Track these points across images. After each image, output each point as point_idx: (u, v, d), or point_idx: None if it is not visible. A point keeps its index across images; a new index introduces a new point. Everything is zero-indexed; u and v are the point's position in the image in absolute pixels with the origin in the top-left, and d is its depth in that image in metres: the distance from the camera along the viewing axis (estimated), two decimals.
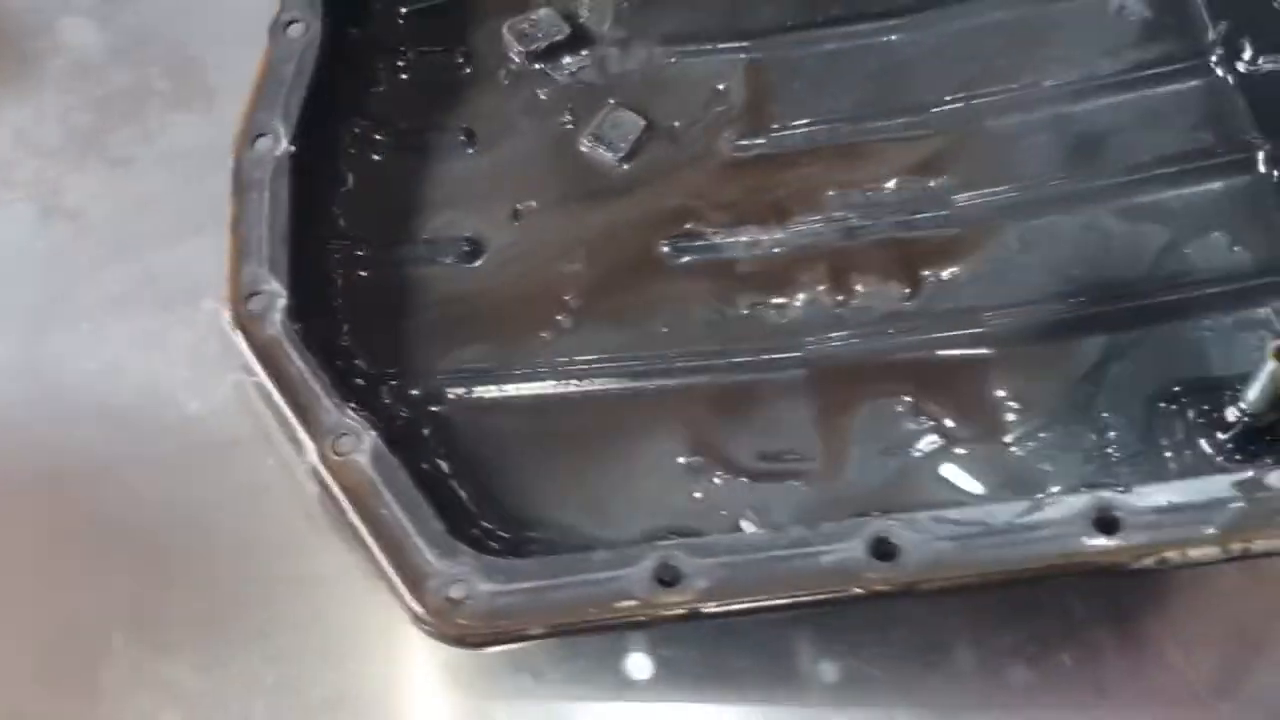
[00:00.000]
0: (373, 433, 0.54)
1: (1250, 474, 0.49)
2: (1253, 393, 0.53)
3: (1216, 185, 0.62)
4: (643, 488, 0.58)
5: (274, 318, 0.57)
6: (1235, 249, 0.60)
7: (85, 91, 0.78)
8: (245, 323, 0.58)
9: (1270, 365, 0.51)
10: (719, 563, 0.50)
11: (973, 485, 0.57)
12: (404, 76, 0.71)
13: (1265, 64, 0.63)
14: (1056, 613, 0.57)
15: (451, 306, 0.64)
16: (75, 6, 0.81)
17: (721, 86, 0.70)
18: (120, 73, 0.78)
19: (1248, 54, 0.64)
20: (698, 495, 0.58)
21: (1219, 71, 0.64)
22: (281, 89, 0.63)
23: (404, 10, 0.73)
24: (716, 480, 0.58)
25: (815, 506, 0.58)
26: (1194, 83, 0.65)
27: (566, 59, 0.72)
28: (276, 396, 0.56)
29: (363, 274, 0.64)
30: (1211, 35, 0.65)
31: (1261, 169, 0.61)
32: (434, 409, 0.61)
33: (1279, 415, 0.53)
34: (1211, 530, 0.48)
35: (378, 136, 0.69)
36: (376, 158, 0.68)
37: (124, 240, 0.71)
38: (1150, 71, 0.66)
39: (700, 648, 0.58)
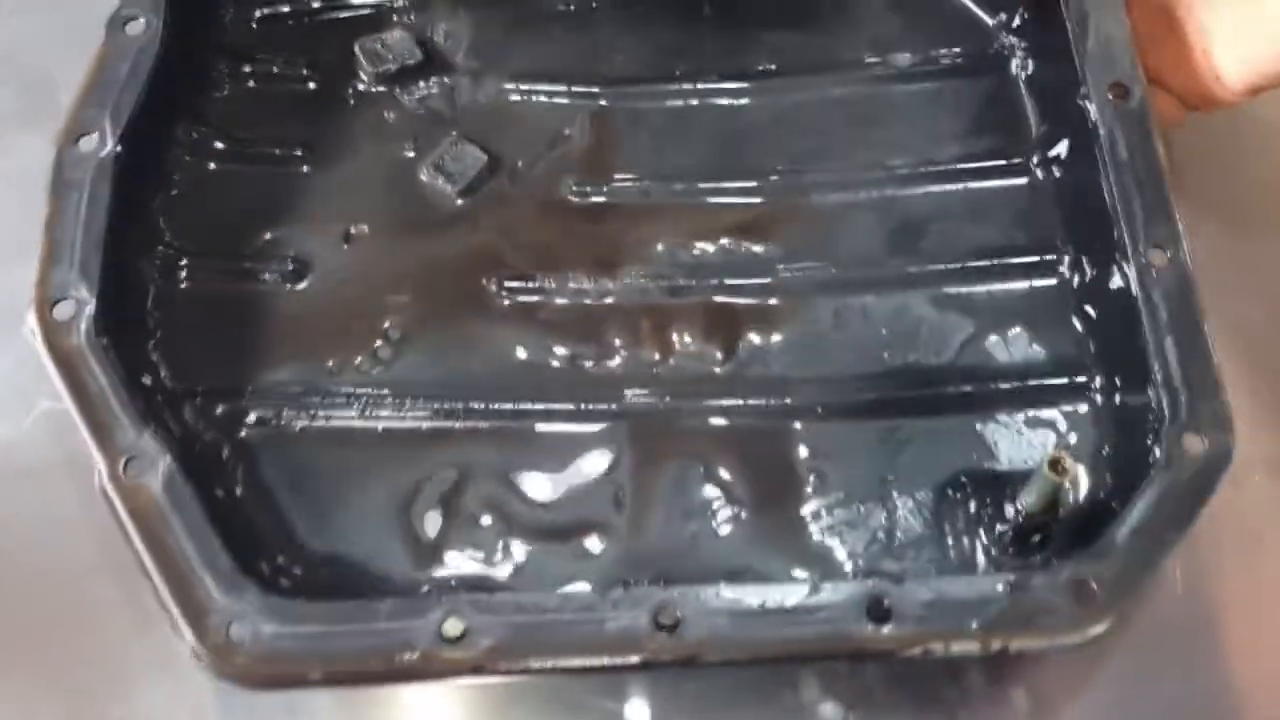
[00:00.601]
0: (168, 456, 0.52)
1: (1014, 576, 0.51)
2: (1028, 495, 0.55)
3: (1023, 285, 0.64)
4: (442, 531, 0.58)
5: (79, 326, 0.55)
6: (1033, 347, 0.62)
7: None
8: (49, 331, 0.55)
9: (1044, 471, 0.54)
10: (506, 621, 0.50)
11: (766, 555, 0.58)
12: (249, 85, 0.68)
13: (1073, 171, 0.65)
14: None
15: (269, 326, 0.62)
16: None
17: (568, 131, 0.69)
18: None
19: (1063, 158, 0.66)
20: (497, 544, 0.58)
21: (1038, 173, 0.67)
22: (113, 88, 0.60)
23: (256, 15, 0.70)
24: (516, 529, 0.58)
25: (613, 564, 0.58)
26: (1015, 181, 0.67)
27: (416, 85, 0.70)
28: (74, 412, 0.54)
29: (182, 286, 0.62)
30: (1034, 135, 0.68)
31: (1065, 273, 0.64)
32: (238, 432, 0.59)
33: (1050, 518, 0.56)
34: (974, 627, 0.50)
35: (214, 144, 0.66)
36: (210, 166, 0.65)
37: None
38: (976, 165, 0.68)
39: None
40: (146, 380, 0.58)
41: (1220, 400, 0.54)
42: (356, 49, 0.70)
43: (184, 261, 0.63)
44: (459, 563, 0.57)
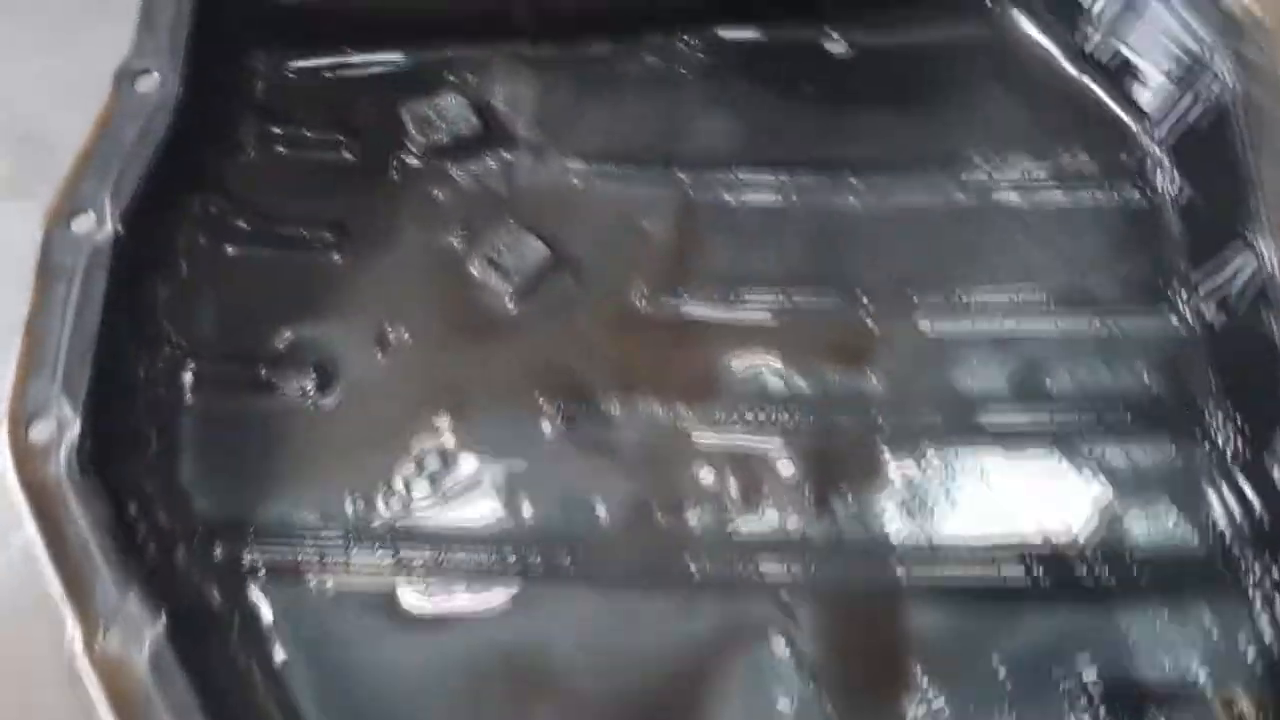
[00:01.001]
0: (157, 622, 0.43)
1: None
2: None
3: (1167, 447, 0.54)
4: None
5: (59, 454, 0.45)
6: (1177, 526, 0.53)
7: None
8: (23, 457, 0.45)
9: (1216, 712, 0.44)
10: None
11: None
12: (277, 151, 0.58)
13: (1237, 318, 0.55)
14: None
15: (284, 449, 0.52)
16: None
17: (644, 223, 0.60)
18: None
19: (1227, 301, 0.56)
20: None
21: (1189, 315, 0.57)
22: (117, 155, 0.50)
23: (290, 68, 0.60)
24: None
25: None
26: (1161, 321, 0.57)
27: (470, 159, 0.60)
28: (48, 563, 0.44)
29: (186, 398, 0.52)
30: (1185, 269, 0.58)
31: (1219, 438, 0.54)
32: (242, 586, 0.49)
33: None
34: None
35: (233, 222, 0.56)
36: (227, 249, 0.55)
37: None
38: (1114, 299, 0.58)
39: None
40: (134, 513, 0.48)
41: None
42: (404, 114, 0.60)
43: (190, 366, 0.52)
44: None
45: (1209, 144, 0.57)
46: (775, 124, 0.63)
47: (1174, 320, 0.57)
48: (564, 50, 0.63)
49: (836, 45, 0.65)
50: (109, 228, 0.49)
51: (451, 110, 0.60)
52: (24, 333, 0.47)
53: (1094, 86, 0.63)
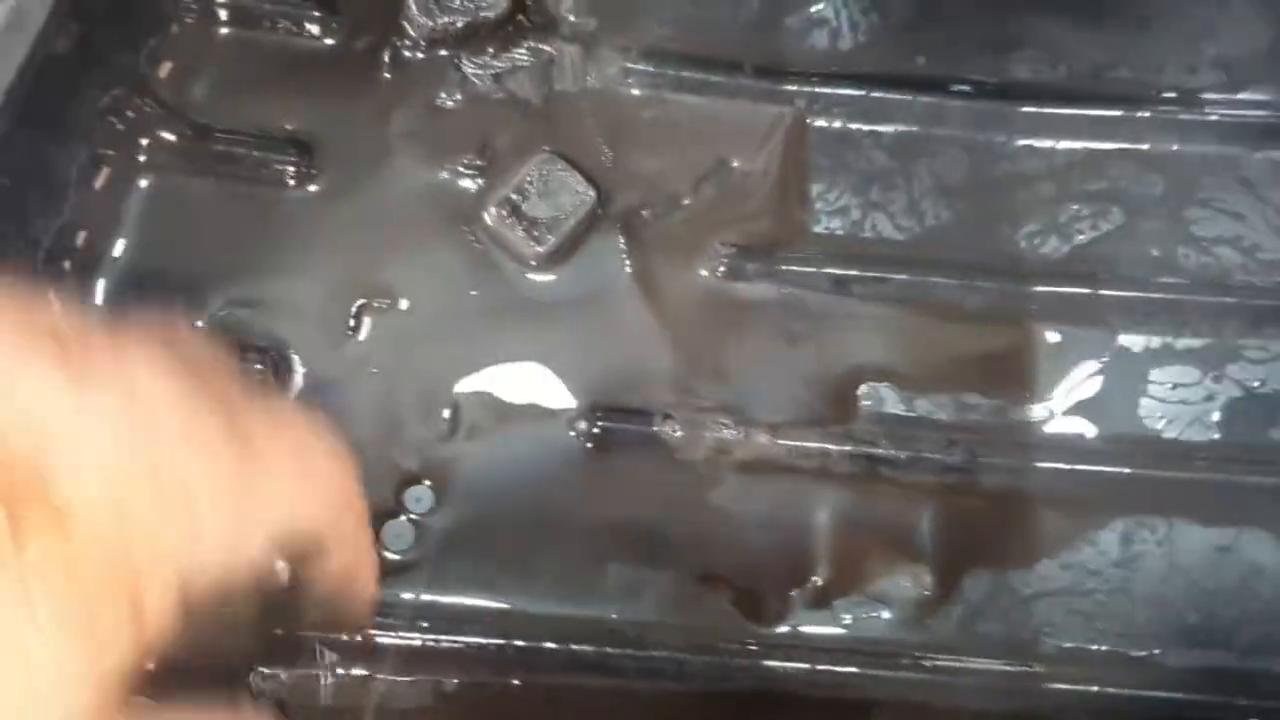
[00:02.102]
0: None
1: None
2: None
3: None
4: None
5: None
6: None
7: None
8: None
9: None
10: None
11: None
12: (222, 27, 0.41)
13: None
14: None
15: None
16: None
17: (736, 161, 0.43)
18: None
19: None
20: None
21: None
22: None
23: None
24: None
25: None
26: None
27: (492, 52, 0.42)
28: None
29: None
30: None
31: None
32: None
33: None
34: None
35: (157, 133, 0.39)
36: (141, 180, 0.39)
37: None
38: None
39: None
40: None
41: None
42: None
43: None
44: None
45: None
46: (921, 24, 0.45)
47: None
48: None
49: None
50: None
51: None
52: None
53: None
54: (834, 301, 0.41)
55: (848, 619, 0.38)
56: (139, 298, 0.38)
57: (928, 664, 0.38)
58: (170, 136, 0.39)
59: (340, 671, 0.36)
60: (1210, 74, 0.45)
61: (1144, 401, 0.41)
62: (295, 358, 0.39)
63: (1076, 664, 0.38)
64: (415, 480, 0.38)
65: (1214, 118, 0.44)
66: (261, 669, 0.36)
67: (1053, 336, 0.41)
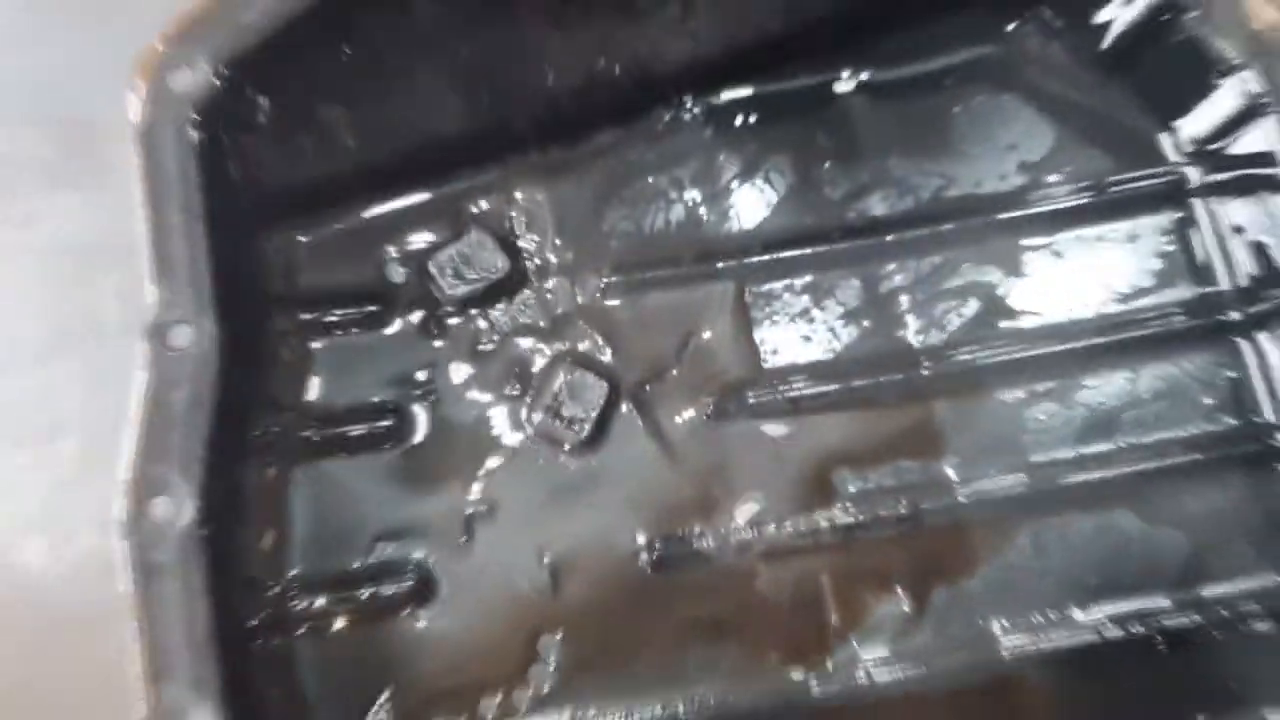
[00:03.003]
0: None
1: None
2: None
3: (1241, 483, 0.54)
4: None
5: None
6: (1260, 561, 0.53)
7: None
8: None
9: None
10: None
11: None
12: (312, 343, 0.55)
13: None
14: None
15: (404, 668, 0.51)
16: None
17: (699, 334, 0.57)
18: None
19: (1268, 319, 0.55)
20: None
21: (1244, 338, 0.56)
22: (173, 429, 0.46)
23: (302, 242, 0.55)
24: None
25: None
26: (1217, 348, 0.56)
27: (505, 300, 0.57)
28: None
29: (299, 645, 0.51)
30: (1235, 289, 0.56)
31: None
32: None
33: None
34: None
35: (300, 435, 0.53)
36: (294, 473, 0.53)
37: None
38: (1168, 329, 0.56)
39: None
40: None
41: None
42: (431, 268, 0.55)
43: (295, 606, 0.51)
44: None
45: (1242, 155, 0.55)
46: (803, 190, 0.59)
47: (1227, 346, 0.56)
48: (572, 150, 0.58)
49: (846, 83, 0.60)
50: (190, 513, 0.45)
51: (478, 252, 0.55)
52: (141, 640, 0.45)
53: (1120, 100, 0.59)
54: (794, 418, 0.56)
55: (858, 645, 0.53)
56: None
57: (916, 663, 0.53)
58: (310, 436, 0.53)
59: None
60: (1016, 177, 0.60)
61: (1024, 436, 0.56)
62: (437, 572, 0.53)
63: (1019, 632, 0.53)
64: (543, 631, 0.52)
65: (1029, 211, 0.59)
66: None
67: (948, 404, 0.56)
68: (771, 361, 0.57)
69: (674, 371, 0.56)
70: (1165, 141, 0.58)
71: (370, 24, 0.52)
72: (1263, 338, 0.55)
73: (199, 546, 0.46)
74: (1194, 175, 0.57)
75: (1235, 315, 0.56)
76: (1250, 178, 0.55)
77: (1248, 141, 0.54)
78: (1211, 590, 0.53)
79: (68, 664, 0.52)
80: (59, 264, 0.59)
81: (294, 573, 0.52)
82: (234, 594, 0.48)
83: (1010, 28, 0.60)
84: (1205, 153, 0.57)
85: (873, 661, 0.53)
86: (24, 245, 0.59)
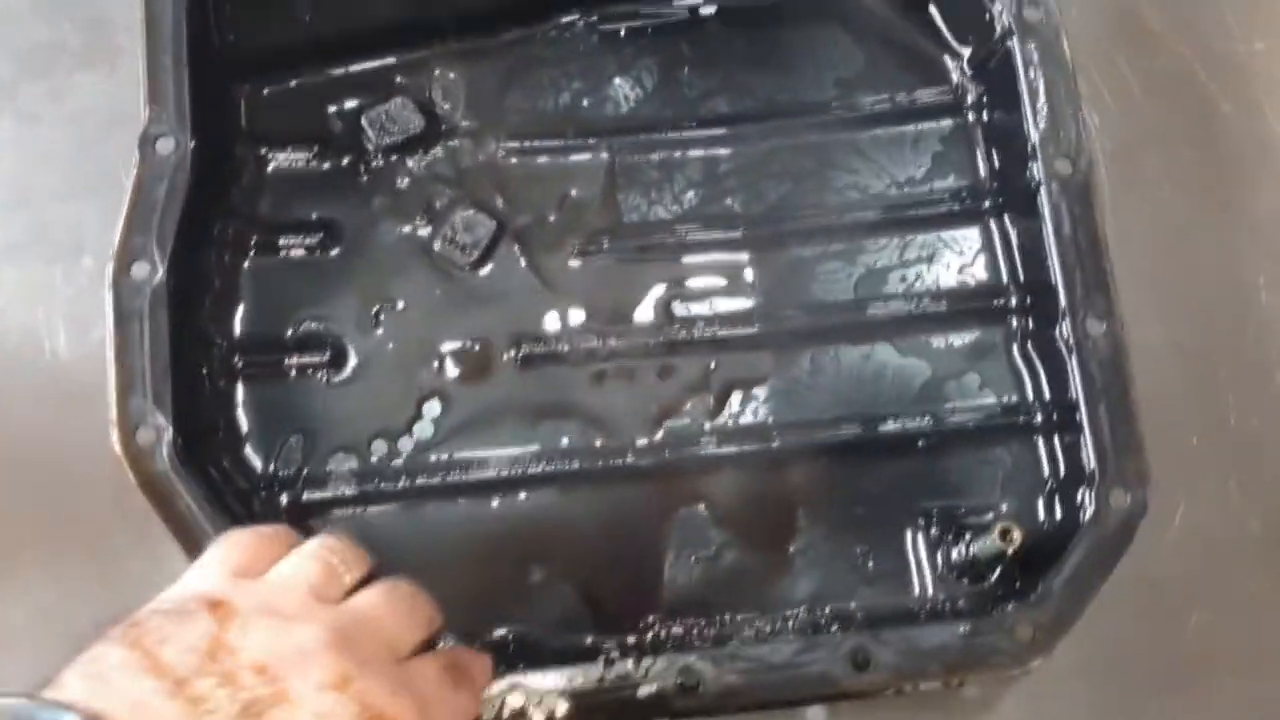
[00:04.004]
0: None
1: (968, 626, 0.59)
2: (980, 548, 0.62)
3: (975, 331, 0.69)
4: (493, 598, 0.64)
5: (161, 453, 0.59)
6: (983, 390, 0.68)
7: (6, 42, 0.75)
8: (133, 456, 0.59)
9: (994, 537, 0.61)
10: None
11: (765, 587, 0.66)
12: (268, 170, 0.69)
13: (1023, 228, 0.69)
14: None
15: (316, 416, 0.66)
16: None
17: (574, 191, 0.71)
18: (38, 26, 0.75)
19: (1012, 215, 0.70)
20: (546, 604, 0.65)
21: (992, 222, 0.70)
22: (154, 212, 0.60)
23: (265, 93, 0.70)
24: (560, 585, 0.65)
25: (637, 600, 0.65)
26: (971, 229, 0.70)
27: (421, 152, 0.71)
28: (164, 529, 0.58)
29: (237, 387, 0.65)
30: (988, 185, 0.71)
31: (1014, 323, 0.69)
32: (308, 524, 0.64)
33: (996, 565, 0.63)
34: (937, 668, 0.59)
35: (249, 237, 0.67)
36: (245, 263, 0.67)
37: (23, 193, 0.72)
38: (935, 211, 0.71)
39: None
40: (219, 482, 0.62)
41: (1142, 459, 0.61)
42: (363, 122, 0.70)
43: (236, 362, 0.66)
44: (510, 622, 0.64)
45: (1006, 80, 0.69)
46: (667, 89, 0.73)
47: (978, 228, 0.70)
48: (484, 41, 0.73)
49: (708, 8, 0.75)
50: (160, 273, 0.60)
51: (400, 113, 0.70)
52: (115, 364, 0.60)
53: (920, 34, 0.73)
54: (641, 261, 0.70)
55: (667, 428, 0.68)
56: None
57: (711, 445, 0.67)
58: (255, 237, 0.68)
59: None
60: (833, 89, 0.74)
61: (814, 285, 0.69)
62: (349, 346, 0.68)
63: (792, 429, 0.66)
64: (427, 398, 0.67)
65: (839, 115, 0.74)
66: None
67: (758, 256, 0.70)
68: (629, 217, 0.71)
69: (551, 219, 0.71)
70: (949, 64, 0.73)
71: None
72: (1006, 218, 0.70)
73: (164, 300, 0.61)
74: (969, 92, 0.72)
75: (987, 202, 0.70)
76: (1000, 94, 0.69)
77: (1001, 65, 0.68)
78: (944, 407, 0.68)
79: (87, 430, 0.63)
80: (82, 128, 0.72)
81: (236, 335, 0.66)
82: (190, 342, 0.63)
83: None
84: (976, 73, 0.71)
85: (679, 441, 0.67)
86: (55, 114, 0.73)
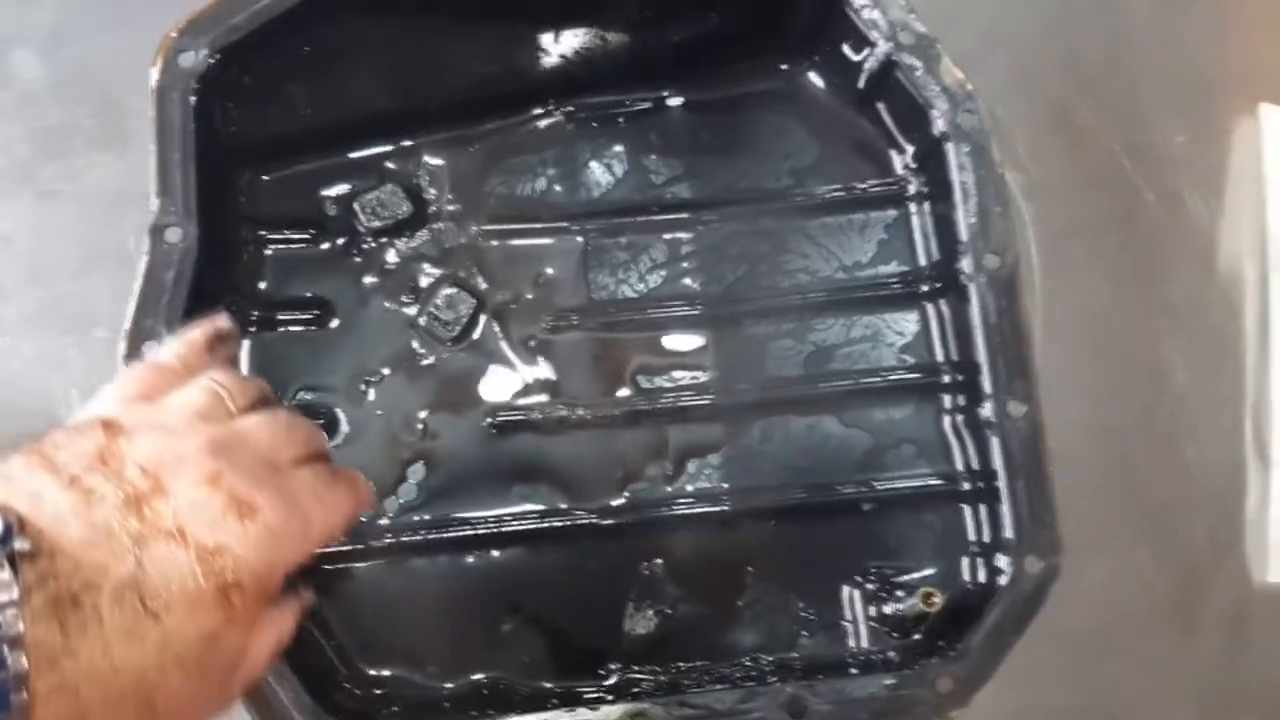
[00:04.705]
0: None
1: (894, 679, 0.65)
2: (906, 607, 0.69)
3: (911, 407, 0.75)
4: (468, 647, 0.71)
5: None
6: (918, 460, 0.75)
7: (25, 124, 0.80)
8: None
9: (918, 600, 0.68)
10: None
11: (714, 635, 0.72)
12: (267, 252, 0.75)
13: (955, 316, 0.75)
14: None
15: None
16: (26, 40, 0.82)
17: (549, 270, 0.77)
18: (55, 110, 0.81)
19: (945, 303, 0.76)
20: (516, 651, 0.71)
21: (928, 308, 0.77)
22: (163, 295, 0.66)
23: (265, 180, 0.76)
24: (529, 634, 0.72)
25: (598, 649, 0.72)
26: (909, 314, 0.77)
27: (409, 235, 0.77)
28: None
29: None
30: (925, 273, 0.77)
31: (946, 401, 0.75)
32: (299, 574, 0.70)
33: (922, 623, 0.70)
34: (864, 717, 0.65)
35: (250, 313, 0.73)
36: (245, 338, 0.73)
37: (40, 267, 0.78)
38: (877, 295, 0.77)
39: None
40: None
41: (1054, 530, 0.68)
42: (355, 206, 0.76)
43: None
44: (482, 669, 0.70)
45: (941, 174, 0.75)
46: (635, 175, 0.79)
47: (916, 313, 0.76)
48: (467, 130, 0.79)
49: (675, 99, 0.81)
50: None
51: (390, 198, 0.76)
52: None
53: (870, 128, 0.80)
54: (609, 335, 0.76)
55: (630, 494, 0.74)
56: None
57: (669, 506, 0.74)
58: (255, 314, 0.74)
59: None
60: (788, 178, 0.81)
61: (767, 360, 0.76)
62: (340, 415, 0.74)
63: (743, 493, 0.73)
64: (411, 462, 0.74)
65: (793, 203, 0.80)
66: None
67: (715, 334, 0.77)
68: (598, 295, 0.77)
69: (527, 296, 0.77)
70: (895, 158, 0.79)
71: (325, 31, 0.72)
72: (941, 303, 0.76)
73: None
74: (912, 184, 0.79)
75: (925, 287, 0.77)
76: (938, 190, 0.76)
77: (938, 163, 0.75)
78: (881, 475, 0.74)
79: None
80: (95, 206, 0.78)
81: None
82: None
83: (793, 69, 0.81)
84: (919, 168, 0.78)
85: (640, 503, 0.74)
86: (69, 193, 0.79)
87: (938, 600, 0.67)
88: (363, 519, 0.72)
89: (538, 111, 0.80)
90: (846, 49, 0.76)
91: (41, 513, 0.41)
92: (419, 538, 0.72)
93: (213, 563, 0.44)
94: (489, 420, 0.74)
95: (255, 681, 0.51)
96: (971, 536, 0.73)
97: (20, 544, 0.39)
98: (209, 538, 0.44)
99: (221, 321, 0.60)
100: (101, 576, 0.41)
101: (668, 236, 0.79)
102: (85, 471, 0.43)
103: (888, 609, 0.72)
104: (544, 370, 0.76)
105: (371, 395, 0.75)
